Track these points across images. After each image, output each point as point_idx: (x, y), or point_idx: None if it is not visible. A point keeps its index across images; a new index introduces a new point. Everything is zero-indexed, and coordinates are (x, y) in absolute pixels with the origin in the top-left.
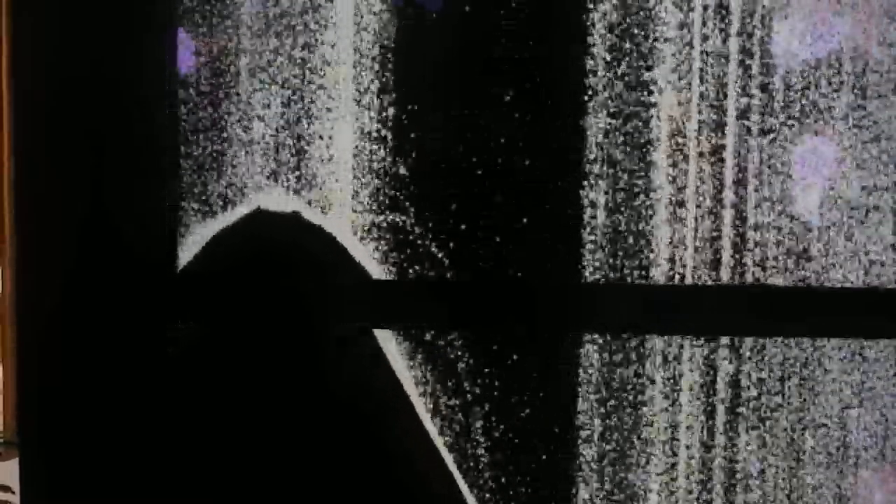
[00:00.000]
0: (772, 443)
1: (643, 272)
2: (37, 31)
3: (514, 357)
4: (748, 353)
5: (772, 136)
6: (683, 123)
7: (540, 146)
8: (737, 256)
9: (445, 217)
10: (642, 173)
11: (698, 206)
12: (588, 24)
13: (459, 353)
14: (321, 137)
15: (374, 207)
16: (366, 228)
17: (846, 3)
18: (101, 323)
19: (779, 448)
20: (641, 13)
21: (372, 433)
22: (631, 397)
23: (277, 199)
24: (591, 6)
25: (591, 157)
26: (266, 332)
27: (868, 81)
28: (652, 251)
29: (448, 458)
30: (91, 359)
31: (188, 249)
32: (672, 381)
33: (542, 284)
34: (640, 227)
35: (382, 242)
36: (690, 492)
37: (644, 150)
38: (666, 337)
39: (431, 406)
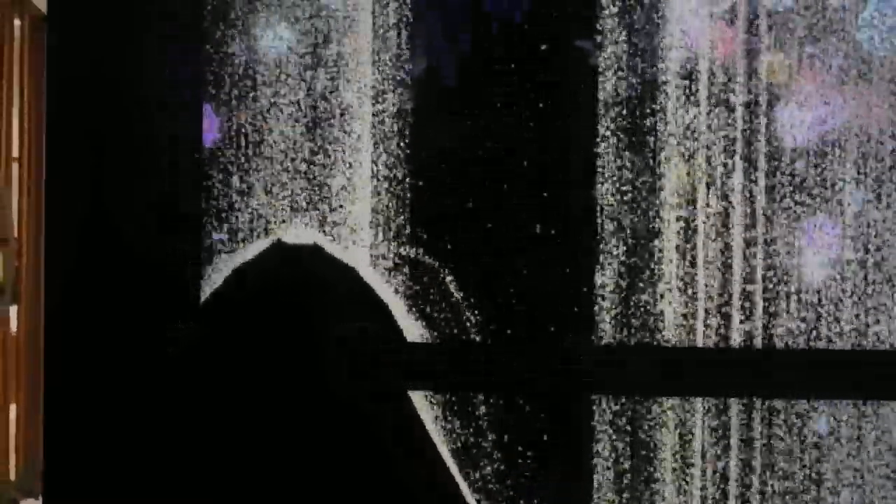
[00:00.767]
0: (785, 500)
1: (655, 335)
2: (74, 114)
3: (532, 414)
4: (758, 414)
5: (778, 207)
6: (692, 192)
7: (553, 211)
8: (745, 320)
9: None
10: (653, 240)
11: (707, 272)
12: (598, 99)
13: (478, 412)
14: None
15: (392, 240)
16: (384, 260)
17: (849, 88)
18: (126, 356)
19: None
20: (649, 85)
21: (394, 472)
22: (644, 454)
23: (297, 232)
24: (601, 81)
25: (604, 222)
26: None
27: (870, 158)
28: (663, 315)
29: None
30: (118, 391)
31: (212, 281)
32: (684, 441)
33: (559, 345)
34: (652, 292)
35: (400, 276)
36: None
37: (654, 218)
38: (678, 398)
39: (455, 456)
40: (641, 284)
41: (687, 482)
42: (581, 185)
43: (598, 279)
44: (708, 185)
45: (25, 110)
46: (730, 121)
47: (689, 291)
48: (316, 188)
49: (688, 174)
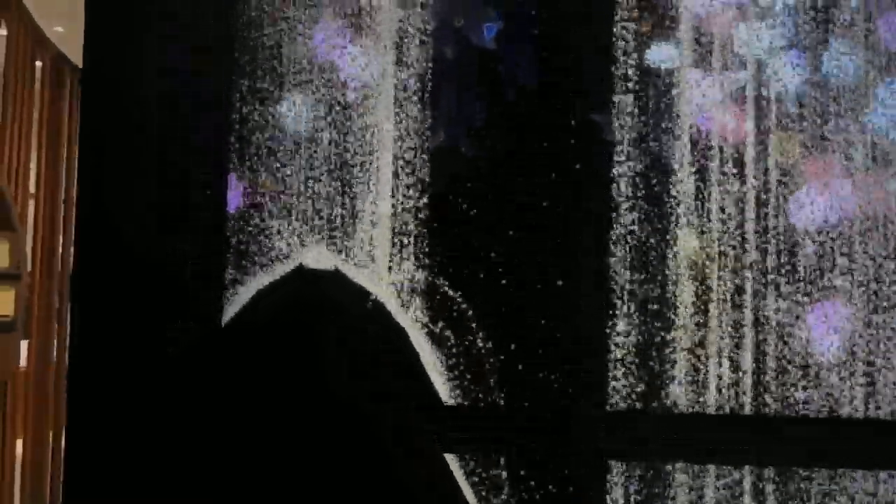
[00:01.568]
0: None
1: (667, 401)
2: (103, 187)
3: (547, 479)
4: (769, 483)
5: (787, 292)
6: (704, 267)
7: (568, 280)
8: (757, 387)
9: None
10: (666, 310)
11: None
12: (613, 174)
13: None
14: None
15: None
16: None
17: (858, 177)
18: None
19: None
20: (662, 163)
21: None
22: None
23: (318, 257)
24: (616, 162)
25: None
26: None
27: (877, 244)
28: (676, 381)
29: None
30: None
31: (233, 304)
32: None
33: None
34: (664, 358)
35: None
36: None
37: (666, 288)
38: (689, 464)
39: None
40: (654, 351)
41: None
42: (594, 253)
43: (612, 345)
44: (721, 256)
45: (43, 148)
46: (742, 198)
47: (702, 358)
48: (335, 254)
49: (700, 247)
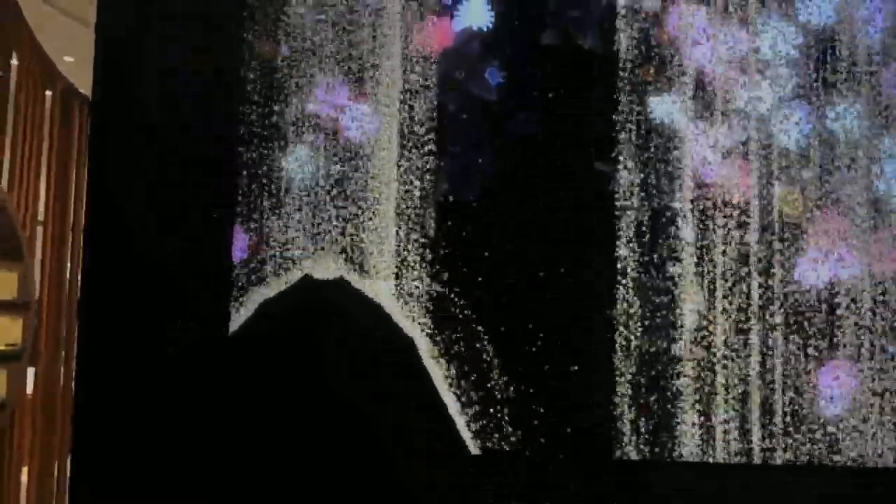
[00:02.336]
0: None
1: (674, 451)
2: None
3: None
4: None
5: (792, 351)
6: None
7: (577, 330)
8: (765, 436)
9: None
10: (670, 364)
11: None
12: (617, 231)
13: None
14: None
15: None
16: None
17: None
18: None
19: None
20: (664, 221)
21: None
22: None
23: (324, 267)
24: (617, 217)
25: (622, 342)
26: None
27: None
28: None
29: None
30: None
31: (240, 315)
32: None
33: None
34: (670, 409)
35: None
36: None
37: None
38: None
39: None
40: (661, 403)
41: None
42: (600, 307)
43: (618, 399)
44: (724, 314)
45: (52, 177)
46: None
47: (709, 409)
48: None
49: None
